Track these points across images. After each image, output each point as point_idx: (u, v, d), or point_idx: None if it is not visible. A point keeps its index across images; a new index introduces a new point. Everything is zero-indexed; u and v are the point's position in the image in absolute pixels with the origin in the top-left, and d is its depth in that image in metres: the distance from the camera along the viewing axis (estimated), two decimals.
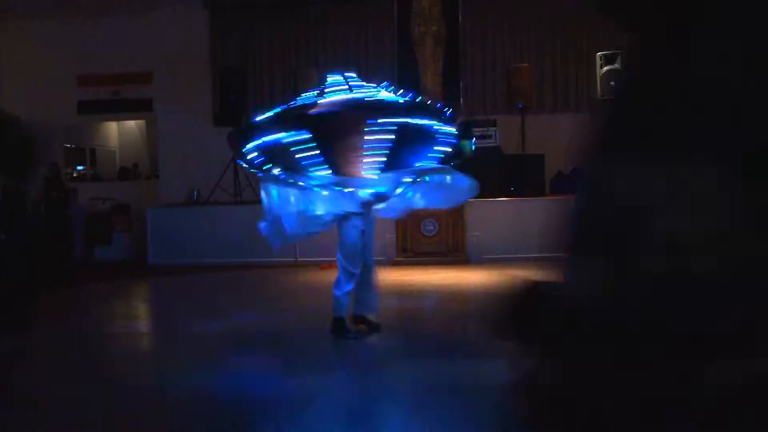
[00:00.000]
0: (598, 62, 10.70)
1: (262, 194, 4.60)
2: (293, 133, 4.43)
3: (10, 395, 4.09)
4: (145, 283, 9.10)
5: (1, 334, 5.65)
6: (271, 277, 8.91)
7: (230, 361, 4.66)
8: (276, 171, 4.67)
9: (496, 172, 9.89)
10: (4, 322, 6.19)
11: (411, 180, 4.78)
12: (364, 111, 4.42)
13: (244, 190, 10.73)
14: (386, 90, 4.82)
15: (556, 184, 11.73)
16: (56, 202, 11.36)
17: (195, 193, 11.01)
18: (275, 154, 4.60)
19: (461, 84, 12.79)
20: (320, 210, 4.57)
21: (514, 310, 1.39)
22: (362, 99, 4.58)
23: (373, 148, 4.48)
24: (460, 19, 12.87)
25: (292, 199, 4.53)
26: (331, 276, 7.47)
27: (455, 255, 9.33)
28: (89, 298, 8.06)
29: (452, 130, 4.73)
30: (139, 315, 7.26)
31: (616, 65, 10.48)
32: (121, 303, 7.56)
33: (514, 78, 11.21)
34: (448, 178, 4.88)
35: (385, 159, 4.52)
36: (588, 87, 12.47)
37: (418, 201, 4.97)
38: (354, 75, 4.89)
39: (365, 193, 4.66)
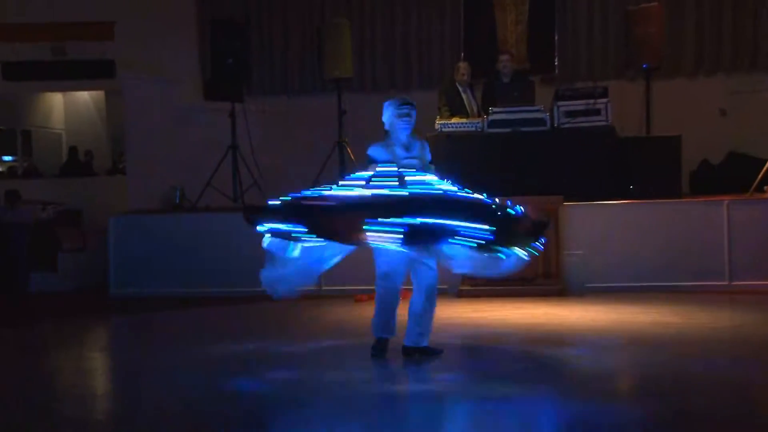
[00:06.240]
0: None
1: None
2: (293, 224, 5.83)
3: None
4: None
5: None
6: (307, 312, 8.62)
7: None
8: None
9: (606, 164, 9.63)
10: None
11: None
12: (362, 210, 5.68)
13: (246, 191, 10.65)
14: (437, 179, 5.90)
15: (700, 179, 11.31)
16: None
17: (177, 194, 11.04)
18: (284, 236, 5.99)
19: (556, 37, 12.51)
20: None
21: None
22: (367, 197, 5.81)
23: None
24: None
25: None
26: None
27: (547, 283, 9.50)
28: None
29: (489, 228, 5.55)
30: None
31: None
32: None
33: (636, 25, 10.84)
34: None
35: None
36: (754, 36, 11.94)
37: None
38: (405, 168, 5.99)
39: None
